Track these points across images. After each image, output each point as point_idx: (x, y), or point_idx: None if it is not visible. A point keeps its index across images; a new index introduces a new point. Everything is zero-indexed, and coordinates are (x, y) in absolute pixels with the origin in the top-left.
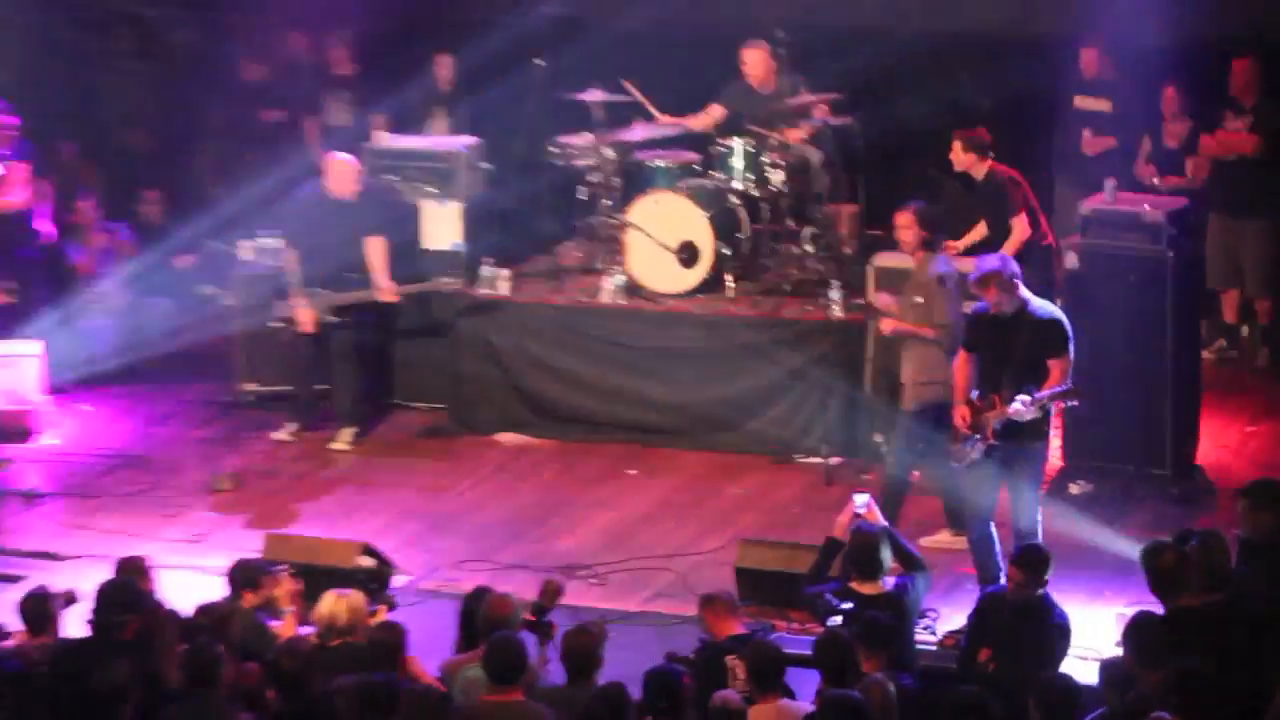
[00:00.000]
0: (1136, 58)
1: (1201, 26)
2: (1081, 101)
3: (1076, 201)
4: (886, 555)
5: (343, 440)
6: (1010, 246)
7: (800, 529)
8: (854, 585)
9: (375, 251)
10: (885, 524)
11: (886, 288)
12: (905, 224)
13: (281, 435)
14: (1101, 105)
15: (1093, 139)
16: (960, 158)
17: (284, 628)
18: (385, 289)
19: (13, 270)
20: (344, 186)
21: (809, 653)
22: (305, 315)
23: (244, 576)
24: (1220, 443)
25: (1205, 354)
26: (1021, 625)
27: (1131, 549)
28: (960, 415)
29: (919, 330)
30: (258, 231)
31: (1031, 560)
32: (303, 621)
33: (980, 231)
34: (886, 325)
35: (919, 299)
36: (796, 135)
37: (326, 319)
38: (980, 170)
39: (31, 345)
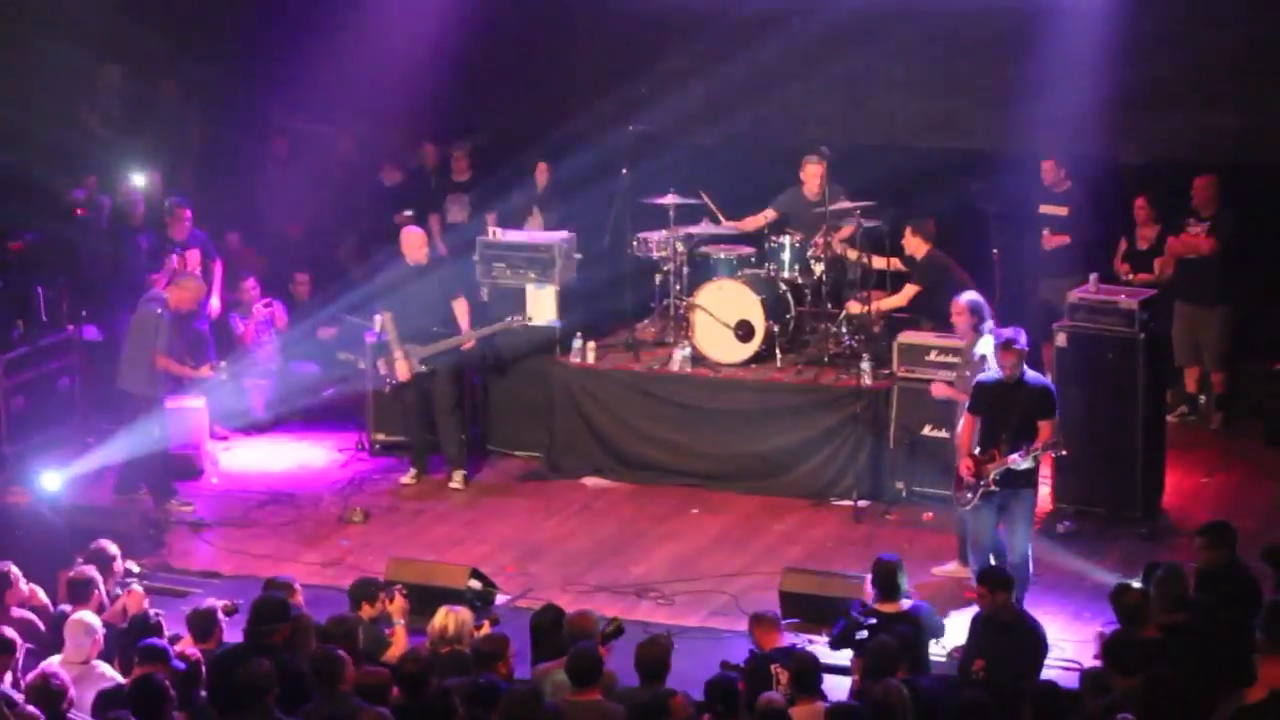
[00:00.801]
0: (1096, 171)
1: (1169, 150)
2: (1044, 208)
3: (1048, 288)
4: (904, 580)
5: (456, 481)
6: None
7: (833, 560)
8: (878, 606)
9: (460, 309)
10: None
11: (907, 362)
12: (958, 312)
13: (405, 479)
14: (1059, 210)
15: (1050, 236)
16: (909, 240)
17: (396, 637)
18: (466, 337)
19: (190, 338)
20: (416, 254)
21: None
22: (401, 367)
23: (361, 593)
24: (1181, 491)
25: (1170, 418)
26: (1006, 640)
27: (1108, 578)
28: (965, 466)
29: (963, 397)
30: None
31: (989, 578)
32: (412, 632)
33: (905, 297)
34: (938, 390)
35: (969, 373)
36: (837, 235)
37: (420, 370)
38: (921, 252)
39: (197, 400)
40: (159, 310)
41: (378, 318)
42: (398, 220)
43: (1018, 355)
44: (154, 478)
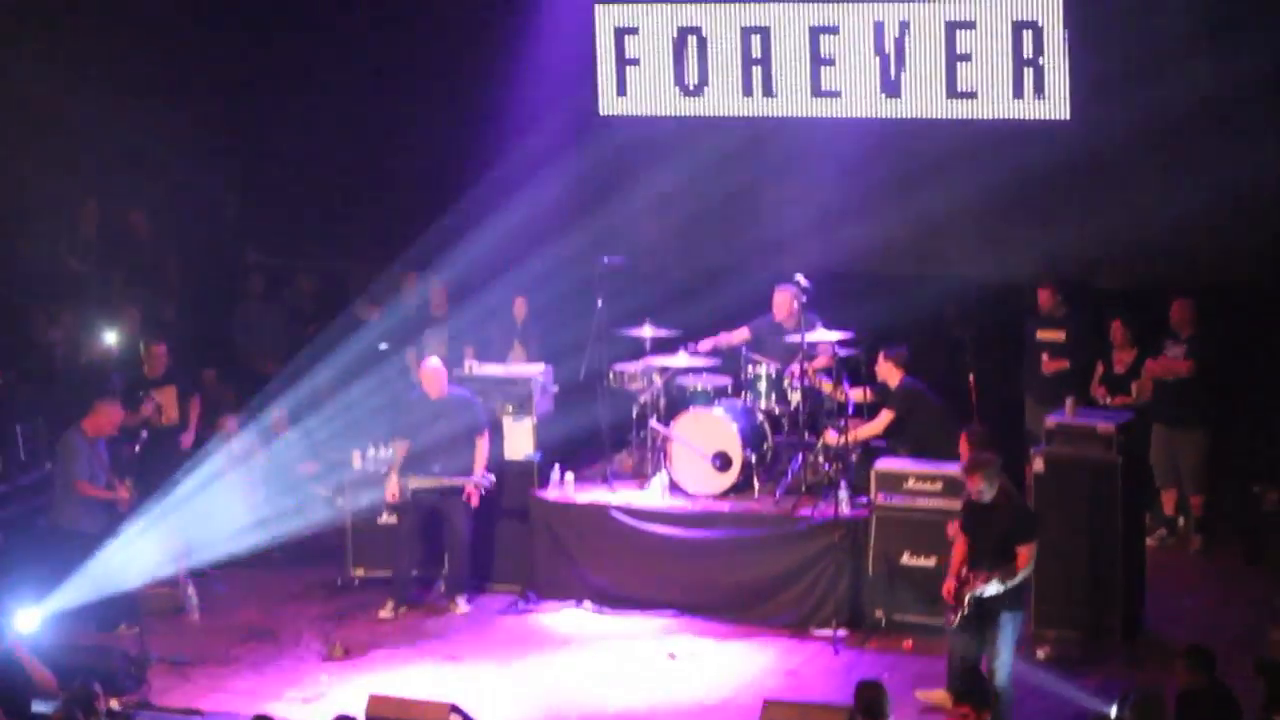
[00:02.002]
0: (1086, 296)
1: (1147, 273)
2: (1041, 333)
3: (1040, 414)
4: (889, 704)
5: (459, 607)
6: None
7: (815, 690)
8: None
9: (480, 447)
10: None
11: (884, 490)
12: (962, 446)
13: (383, 612)
14: (1057, 335)
15: (1050, 362)
16: (882, 367)
17: None
18: (469, 487)
19: (167, 473)
20: (436, 388)
21: None
22: (390, 487)
23: None
24: (1161, 613)
25: (1149, 540)
26: None
27: (1089, 703)
28: (947, 588)
29: None
30: (367, 443)
31: (972, 697)
32: None
33: (881, 425)
34: (952, 530)
35: None
36: (813, 365)
37: (407, 498)
38: (895, 379)
39: (176, 535)
40: (74, 437)
41: (396, 443)
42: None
43: (984, 475)
44: (125, 613)
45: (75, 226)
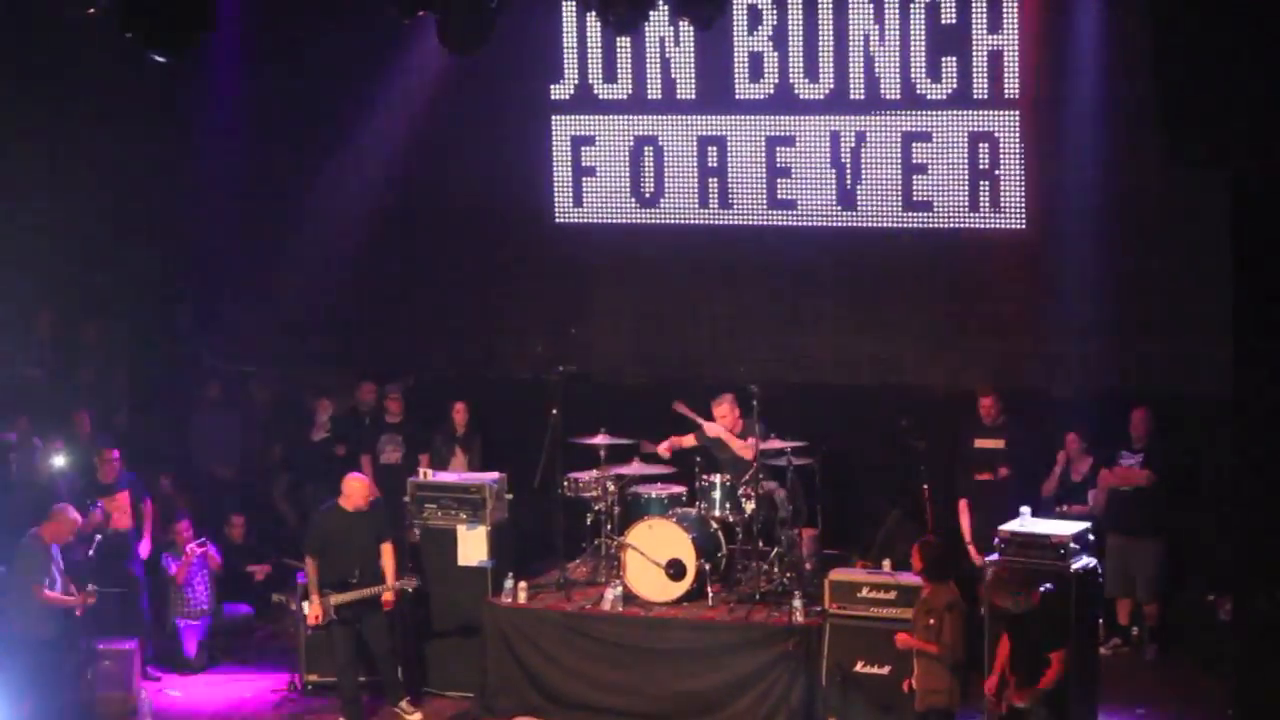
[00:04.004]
0: (1040, 405)
1: (1102, 381)
2: (980, 442)
3: (978, 521)
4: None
5: (411, 713)
6: None
7: None
8: None
9: (387, 554)
10: None
11: (838, 599)
12: (915, 558)
13: None
14: (996, 443)
15: (986, 471)
16: None
17: None
18: (385, 589)
19: (122, 579)
20: (357, 500)
21: None
22: (313, 610)
23: None
24: None
25: (1103, 649)
26: None
27: None
28: (988, 685)
29: (925, 647)
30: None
31: None
32: None
33: None
34: (900, 640)
35: (931, 621)
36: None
37: (331, 617)
38: None
39: (128, 643)
40: (32, 543)
41: (306, 560)
42: (319, 446)
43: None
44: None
45: (30, 334)
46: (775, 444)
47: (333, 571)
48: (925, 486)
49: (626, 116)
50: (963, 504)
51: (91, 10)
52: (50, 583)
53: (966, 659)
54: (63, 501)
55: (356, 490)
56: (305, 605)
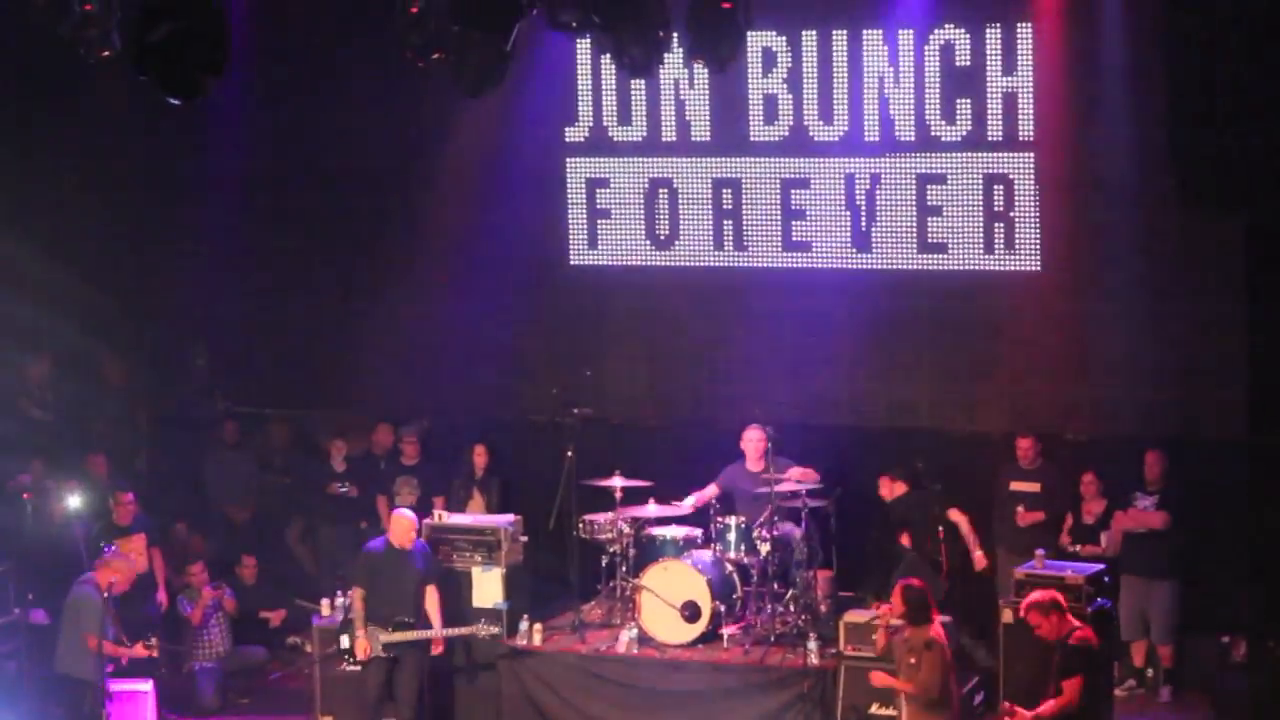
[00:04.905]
0: (1057, 447)
1: (1118, 424)
2: (1015, 485)
3: (1011, 565)
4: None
5: None
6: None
7: None
8: None
9: (432, 598)
10: None
11: (853, 641)
12: (896, 600)
13: None
14: (1032, 487)
15: (1025, 514)
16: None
17: None
18: (437, 638)
19: (138, 623)
20: (403, 538)
21: None
22: (361, 645)
23: None
24: None
25: (1118, 691)
26: None
27: None
28: (1003, 708)
29: (903, 687)
30: (337, 591)
31: None
32: None
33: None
34: (876, 679)
35: (912, 660)
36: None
37: (378, 654)
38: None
39: (144, 684)
40: (90, 591)
41: (352, 592)
42: (334, 491)
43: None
44: None
45: (30, 373)
46: (797, 472)
47: (381, 608)
48: (940, 530)
49: (641, 159)
50: (954, 511)
51: (106, 54)
52: (103, 632)
53: (944, 697)
54: (78, 545)
55: (403, 527)
56: (343, 639)
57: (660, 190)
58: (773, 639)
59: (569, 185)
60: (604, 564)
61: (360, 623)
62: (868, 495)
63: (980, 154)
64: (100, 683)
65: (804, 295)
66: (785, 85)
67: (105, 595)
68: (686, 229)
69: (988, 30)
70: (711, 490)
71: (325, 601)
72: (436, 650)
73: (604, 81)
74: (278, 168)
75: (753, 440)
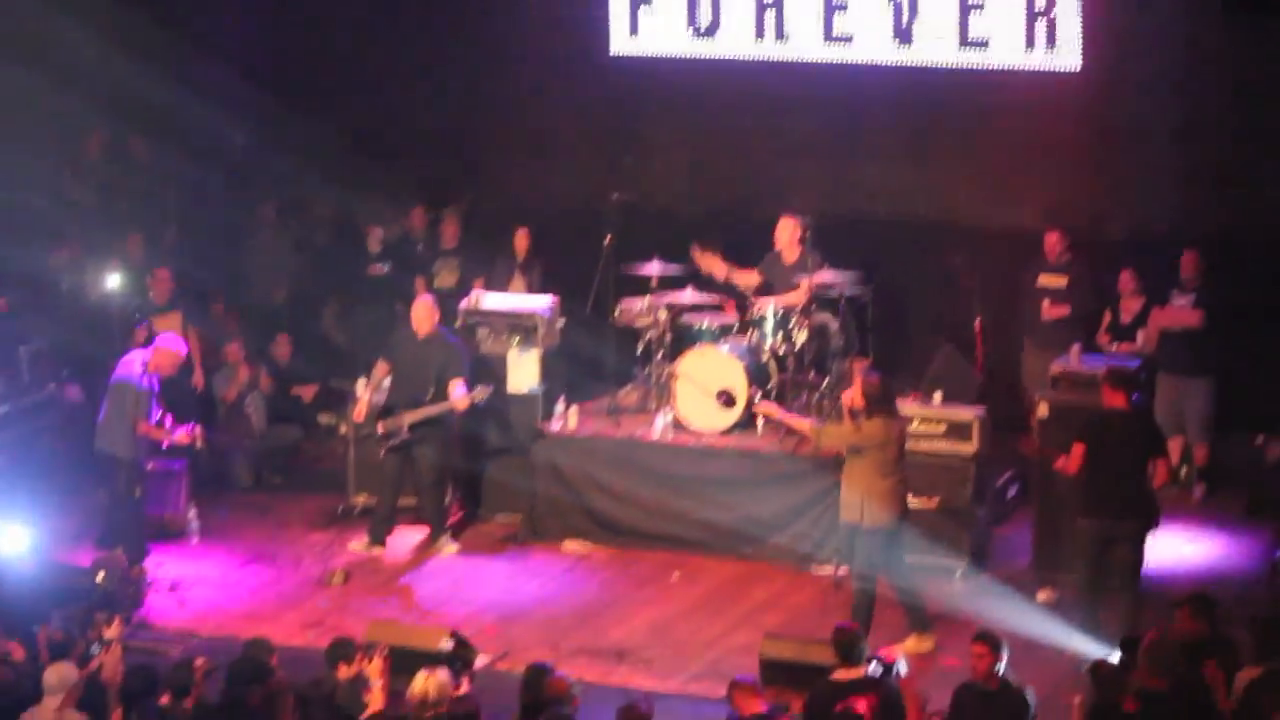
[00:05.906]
0: (1095, 246)
1: (1155, 223)
2: (1044, 279)
3: (1039, 359)
4: (865, 646)
5: (449, 548)
6: None
7: (814, 627)
8: (840, 674)
9: (455, 389)
10: None
11: None
12: (856, 388)
13: (354, 544)
14: (1059, 281)
15: (1050, 308)
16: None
17: (373, 697)
18: (457, 400)
19: (175, 403)
20: (423, 325)
21: None
22: (361, 404)
23: (338, 654)
24: (1162, 562)
25: None
26: (989, 708)
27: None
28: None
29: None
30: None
31: (990, 639)
32: (389, 691)
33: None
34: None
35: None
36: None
37: (404, 435)
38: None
39: (177, 463)
40: (138, 374)
41: (378, 363)
42: (372, 272)
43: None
44: (130, 540)
45: (79, 152)
46: (827, 275)
47: (404, 391)
48: (977, 322)
49: None
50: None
51: None
52: (148, 416)
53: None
54: (111, 322)
55: (420, 315)
56: (379, 425)
57: None
58: None
59: None
60: (640, 350)
61: (371, 386)
62: (901, 284)
63: None
64: (138, 461)
65: (844, 86)
66: None
67: (148, 379)
68: (728, 19)
69: None
70: (752, 276)
71: (360, 380)
72: (459, 409)
73: None
74: None
75: (785, 228)
